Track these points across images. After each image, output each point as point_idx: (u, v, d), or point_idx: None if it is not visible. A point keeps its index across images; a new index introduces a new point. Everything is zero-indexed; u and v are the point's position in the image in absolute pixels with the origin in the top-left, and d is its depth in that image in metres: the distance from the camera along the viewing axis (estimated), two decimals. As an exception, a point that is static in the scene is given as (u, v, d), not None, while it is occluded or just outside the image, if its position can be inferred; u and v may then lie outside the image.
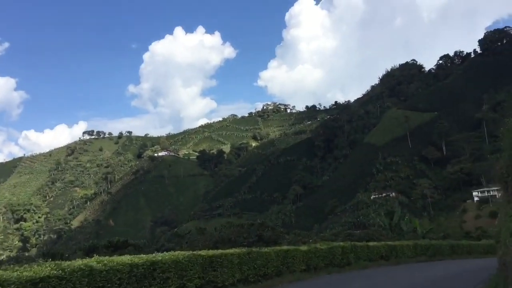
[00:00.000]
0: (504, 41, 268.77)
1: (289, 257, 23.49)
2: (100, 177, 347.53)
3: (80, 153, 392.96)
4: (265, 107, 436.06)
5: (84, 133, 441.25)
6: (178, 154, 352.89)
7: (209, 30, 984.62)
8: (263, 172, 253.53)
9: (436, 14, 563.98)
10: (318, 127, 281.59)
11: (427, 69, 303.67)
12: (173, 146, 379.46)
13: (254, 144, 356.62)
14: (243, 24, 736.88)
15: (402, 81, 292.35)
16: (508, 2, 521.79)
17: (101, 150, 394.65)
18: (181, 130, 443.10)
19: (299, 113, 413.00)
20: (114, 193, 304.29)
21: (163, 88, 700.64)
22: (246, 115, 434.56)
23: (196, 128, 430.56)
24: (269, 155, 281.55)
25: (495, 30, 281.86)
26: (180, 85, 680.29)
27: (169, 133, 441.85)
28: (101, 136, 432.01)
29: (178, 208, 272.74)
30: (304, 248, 25.15)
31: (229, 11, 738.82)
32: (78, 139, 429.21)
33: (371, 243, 30.29)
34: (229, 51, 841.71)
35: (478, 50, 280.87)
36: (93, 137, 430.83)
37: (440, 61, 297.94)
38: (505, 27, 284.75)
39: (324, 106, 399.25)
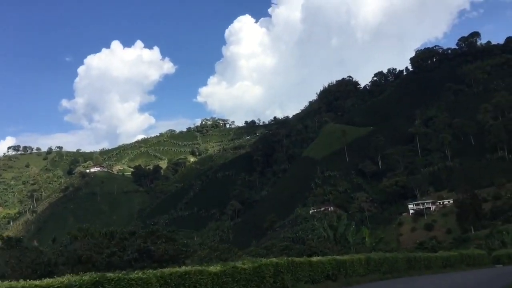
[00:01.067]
0: (434, 60, 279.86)
1: (189, 283, 16.15)
2: (25, 195, 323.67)
3: (4, 170, 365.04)
4: (203, 122, 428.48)
5: (9, 148, 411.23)
6: (112, 170, 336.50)
7: (148, 45, 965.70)
8: (200, 188, 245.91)
9: (370, 36, 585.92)
10: (257, 142, 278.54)
11: (362, 85, 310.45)
12: (107, 162, 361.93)
13: (192, 159, 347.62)
14: (182, 39, 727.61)
15: (339, 96, 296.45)
16: (434, 27, 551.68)
17: (27, 166, 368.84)
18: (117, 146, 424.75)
19: (238, 128, 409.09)
20: (40, 212, 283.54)
21: (99, 103, 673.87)
22: (185, 130, 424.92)
23: (132, 143, 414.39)
24: (207, 170, 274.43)
25: (425, 49, 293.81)
26: (117, 100, 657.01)
27: (103, 149, 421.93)
28: (28, 152, 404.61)
29: (110, 227, 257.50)
30: (215, 268, 17.95)
31: (169, 26, 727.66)
32: (2, 154, 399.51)
33: (314, 259, 23.74)
34: (168, 67, 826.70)
35: (410, 68, 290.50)
36: (19, 152, 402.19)
37: (375, 78, 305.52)
38: (435, 46, 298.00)
39: (263, 122, 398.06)
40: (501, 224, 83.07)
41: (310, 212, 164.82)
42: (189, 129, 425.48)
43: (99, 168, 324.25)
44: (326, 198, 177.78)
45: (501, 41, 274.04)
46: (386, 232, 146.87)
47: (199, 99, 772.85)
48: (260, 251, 46.57)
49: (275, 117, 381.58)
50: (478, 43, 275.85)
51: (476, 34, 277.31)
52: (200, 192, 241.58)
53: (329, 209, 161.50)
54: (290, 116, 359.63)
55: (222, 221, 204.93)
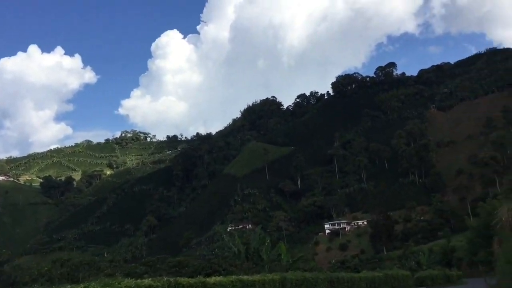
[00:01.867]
0: (353, 86, 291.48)
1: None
2: None
3: None
4: (123, 135, 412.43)
5: None
6: (19, 180, 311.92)
7: (69, 52, 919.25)
8: (115, 202, 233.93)
9: (295, 60, 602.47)
10: (177, 156, 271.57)
11: (285, 106, 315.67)
12: (14, 171, 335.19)
13: (109, 172, 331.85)
14: (106, 49, 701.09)
15: (263, 115, 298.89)
16: (354, 57, 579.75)
17: None
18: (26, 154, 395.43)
19: (160, 142, 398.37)
20: None
21: (10, 109, 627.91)
22: (103, 141, 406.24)
23: (44, 152, 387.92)
24: (123, 183, 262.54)
25: (345, 75, 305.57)
26: (31, 107, 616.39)
27: (11, 157, 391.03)
28: None
29: (13, 241, 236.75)
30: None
31: (93, 34, 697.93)
32: None
33: (212, 279, 16.70)
34: (89, 76, 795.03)
35: (331, 92, 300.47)
36: None
37: (298, 100, 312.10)
38: (355, 73, 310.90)
39: (185, 137, 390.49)
40: (413, 245, 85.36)
41: (228, 229, 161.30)
42: (107, 140, 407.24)
43: (3, 177, 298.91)
44: (245, 216, 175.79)
45: (415, 73, 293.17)
46: (303, 251, 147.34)
47: (121, 111, 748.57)
48: (138, 269, 42.09)
49: (197, 133, 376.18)
50: (394, 73, 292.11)
51: (392, 65, 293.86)
52: (114, 206, 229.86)
53: (248, 226, 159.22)
54: (213, 133, 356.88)
55: (136, 237, 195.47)
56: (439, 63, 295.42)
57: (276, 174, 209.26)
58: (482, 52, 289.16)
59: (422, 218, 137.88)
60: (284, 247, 27.77)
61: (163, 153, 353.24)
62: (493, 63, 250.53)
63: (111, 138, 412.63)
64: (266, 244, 28.44)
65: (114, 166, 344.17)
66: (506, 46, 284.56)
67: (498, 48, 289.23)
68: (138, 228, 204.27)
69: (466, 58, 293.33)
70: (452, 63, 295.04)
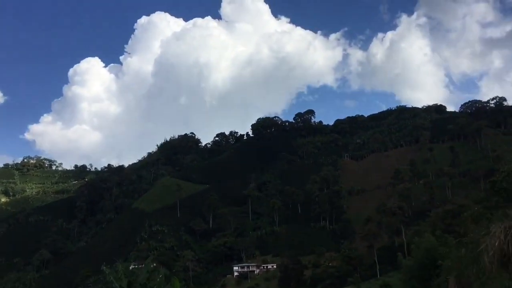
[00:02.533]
0: (273, 129, 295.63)
1: None
2: None
3: None
4: (26, 161, 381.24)
5: None
6: None
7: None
8: (6, 232, 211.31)
9: (217, 101, 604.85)
10: (83, 187, 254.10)
11: (204, 143, 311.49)
12: None
13: (4, 199, 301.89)
14: (18, 70, 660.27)
15: (179, 151, 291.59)
16: (275, 103, 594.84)
17: None
18: None
19: (66, 172, 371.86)
20: None
21: None
22: (1, 166, 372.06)
23: None
24: (18, 212, 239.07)
25: (266, 118, 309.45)
26: None
27: None
28: None
29: None
30: None
31: (3, 52, 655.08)
32: None
33: None
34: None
35: (251, 133, 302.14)
36: None
37: (217, 138, 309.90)
38: (274, 117, 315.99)
39: (95, 168, 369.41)
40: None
41: (131, 268, 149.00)
42: (6, 165, 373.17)
43: None
44: (151, 254, 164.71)
45: (331, 122, 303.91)
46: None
47: (28, 136, 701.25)
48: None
49: (109, 164, 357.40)
50: (312, 120, 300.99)
51: (311, 112, 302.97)
52: (5, 236, 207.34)
53: (152, 265, 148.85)
54: (126, 165, 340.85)
55: (26, 272, 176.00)
56: (354, 115, 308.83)
57: (188, 212, 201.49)
58: (393, 108, 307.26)
59: (330, 264, 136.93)
60: (179, 284, 22.48)
61: (68, 183, 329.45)
62: (402, 120, 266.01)
63: (11, 163, 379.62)
64: (160, 279, 23.18)
65: (11, 193, 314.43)
66: (413, 105, 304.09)
67: (407, 106, 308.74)
68: (29, 262, 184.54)
69: (379, 112, 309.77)
70: (366, 116, 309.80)
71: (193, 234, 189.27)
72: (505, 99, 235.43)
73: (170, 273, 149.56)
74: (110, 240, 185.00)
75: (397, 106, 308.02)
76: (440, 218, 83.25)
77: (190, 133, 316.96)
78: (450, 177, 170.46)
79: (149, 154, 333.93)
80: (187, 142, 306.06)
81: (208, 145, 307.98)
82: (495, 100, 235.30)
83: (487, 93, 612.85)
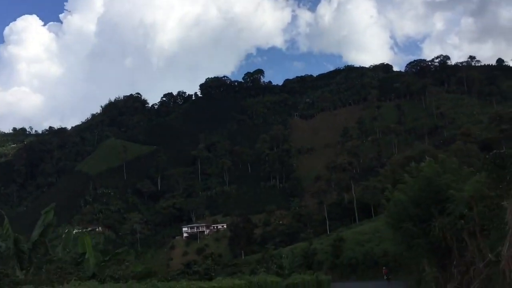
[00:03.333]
0: (222, 89, 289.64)
1: None
2: None
3: None
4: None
5: None
6: None
7: None
8: None
9: (164, 62, 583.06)
10: (21, 150, 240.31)
11: (151, 104, 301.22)
12: None
13: None
14: None
15: (125, 112, 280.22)
16: (224, 64, 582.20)
17: None
18: None
19: (4, 135, 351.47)
20: None
21: None
22: None
23: None
24: None
25: (214, 77, 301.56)
26: None
27: None
28: None
29: None
30: None
31: None
32: None
33: None
34: None
35: (199, 94, 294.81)
36: None
37: (164, 98, 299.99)
38: (223, 76, 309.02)
39: (36, 131, 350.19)
40: (273, 248, 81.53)
41: (74, 232, 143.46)
42: None
43: None
44: (96, 217, 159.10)
45: (280, 83, 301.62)
46: (157, 256, 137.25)
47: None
48: None
49: (50, 127, 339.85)
50: (261, 80, 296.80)
51: (260, 72, 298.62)
52: None
53: (97, 229, 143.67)
54: (69, 128, 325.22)
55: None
56: (303, 75, 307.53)
57: (135, 173, 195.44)
58: (341, 68, 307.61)
59: (281, 222, 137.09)
60: (90, 241, 18.55)
61: (5, 147, 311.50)
62: (350, 79, 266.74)
63: None
64: (64, 235, 19.33)
65: None
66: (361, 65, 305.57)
67: (355, 66, 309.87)
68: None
69: (327, 72, 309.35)
70: (315, 76, 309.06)
71: (140, 196, 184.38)
72: (448, 58, 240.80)
73: (116, 236, 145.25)
74: (52, 204, 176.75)
75: (345, 66, 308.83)
76: (400, 164, 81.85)
77: (136, 93, 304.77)
78: (397, 134, 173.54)
79: (93, 115, 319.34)
80: (133, 103, 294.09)
81: (155, 106, 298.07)
82: (439, 59, 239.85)
83: (429, 55, 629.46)
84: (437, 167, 20.41)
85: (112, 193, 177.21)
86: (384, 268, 52.09)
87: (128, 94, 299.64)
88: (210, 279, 23.39)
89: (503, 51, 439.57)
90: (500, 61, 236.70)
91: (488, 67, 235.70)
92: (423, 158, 24.32)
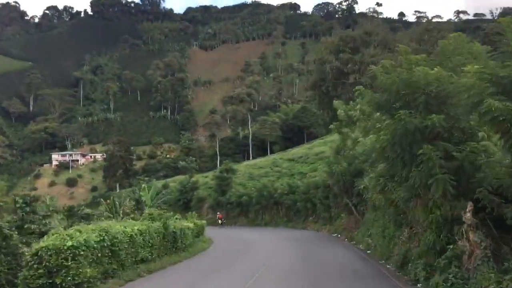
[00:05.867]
0: (116, 9, 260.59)
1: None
2: None
3: None
4: None
5: None
6: None
7: None
8: None
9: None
10: None
11: (30, 16, 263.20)
12: None
13: None
14: None
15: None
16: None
17: None
18: None
19: None
20: None
21: None
22: None
23: None
24: None
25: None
26: None
27: None
28: None
29: None
30: None
31: None
32: None
33: None
34: None
35: (89, 11, 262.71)
36: None
37: (47, 11, 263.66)
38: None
39: None
40: (148, 180, 68.46)
41: None
42: None
43: None
44: None
45: (182, 12, 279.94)
46: (20, 185, 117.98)
47: None
48: None
49: None
50: (162, 5, 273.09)
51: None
52: None
53: None
54: None
55: None
56: (207, 5, 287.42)
57: (3, 91, 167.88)
58: (248, 3, 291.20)
59: (168, 156, 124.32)
60: None
61: None
62: (256, 15, 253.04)
63: None
64: None
65: None
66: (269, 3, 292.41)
67: (261, 2, 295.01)
68: None
69: (233, 5, 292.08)
70: (220, 7, 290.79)
71: (7, 117, 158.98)
72: (356, 2, 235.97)
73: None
74: None
75: (252, 1, 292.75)
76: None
77: (13, 1, 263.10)
78: (299, 74, 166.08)
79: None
80: (9, 11, 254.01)
81: (36, 19, 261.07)
82: (347, 2, 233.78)
83: None
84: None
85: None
86: (218, 212, 48.33)
87: (4, 1, 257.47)
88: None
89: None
90: (401, 14, 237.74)
91: (390, 20, 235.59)
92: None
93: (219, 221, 45.98)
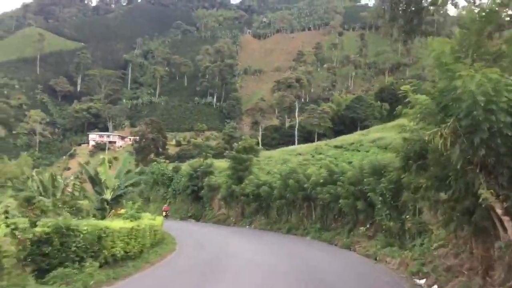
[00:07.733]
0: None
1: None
2: None
3: None
4: None
5: None
6: None
7: None
8: None
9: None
10: None
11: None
12: None
13: None
14: None
15: (58, 3, 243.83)
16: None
17: None
18: None
19: None
20: None
21: None
22: None
23: None
24: None
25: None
26: None
27: None
28: None
29: None
30: None
31: None
32: None
33: None
34: None
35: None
36: None
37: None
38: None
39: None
40: (167, 164, 60.25)
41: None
42: None
43: None
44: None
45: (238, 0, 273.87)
46: (55, 163, 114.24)
47: None
48: None
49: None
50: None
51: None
52: None
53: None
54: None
55: None
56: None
57: (52, 69, 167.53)
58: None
59: (206, 142, 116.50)
60: None
61: None
62: (314, 6, 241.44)
63: None
64: None
65: None
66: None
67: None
68: None
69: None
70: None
71: (54, 95, 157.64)
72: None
73: (9, 133, 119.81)
74: None
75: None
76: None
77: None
78: (355, 66, 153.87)
79: (24, 4, 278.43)
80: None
81: (95, 2, 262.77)
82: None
83: None
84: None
85: (17, 86, 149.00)
86: (165, 205, 46.02)
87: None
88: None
89: None
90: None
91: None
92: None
93: (164, 214, 40.40)
